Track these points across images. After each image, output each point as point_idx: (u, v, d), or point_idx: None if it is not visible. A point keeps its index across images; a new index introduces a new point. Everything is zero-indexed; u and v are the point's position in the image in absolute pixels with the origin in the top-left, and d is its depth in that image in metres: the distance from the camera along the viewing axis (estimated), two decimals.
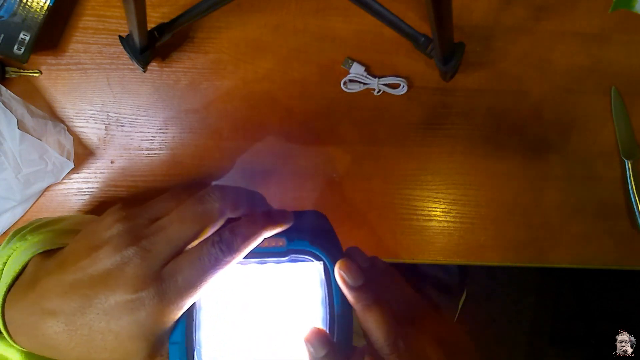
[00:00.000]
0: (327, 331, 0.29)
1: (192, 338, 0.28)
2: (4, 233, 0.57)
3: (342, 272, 0.28)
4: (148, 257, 0.27)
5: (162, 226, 0.28)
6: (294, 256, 0.30)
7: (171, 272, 0.27)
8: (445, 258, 0.59)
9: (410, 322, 0.29)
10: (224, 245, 0.27)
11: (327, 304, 0.29)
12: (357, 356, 0.29)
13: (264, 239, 0.29)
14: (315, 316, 0.30)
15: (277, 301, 0.30)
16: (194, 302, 0.28)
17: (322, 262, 0.30)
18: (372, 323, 0.28)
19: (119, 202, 0.31)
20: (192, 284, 0.27)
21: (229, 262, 0.28)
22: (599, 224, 0.58)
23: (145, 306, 0.26)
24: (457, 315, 0.87)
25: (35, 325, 0.27)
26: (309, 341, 0.28)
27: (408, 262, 0.59)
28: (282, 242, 0.30)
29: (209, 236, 0.28)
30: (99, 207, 0.57)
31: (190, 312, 0.28)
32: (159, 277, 0.26)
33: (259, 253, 0.30)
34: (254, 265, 0.30)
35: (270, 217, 0.29)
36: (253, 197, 0.31)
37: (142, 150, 0.58)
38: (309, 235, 0.30)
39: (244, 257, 0.29)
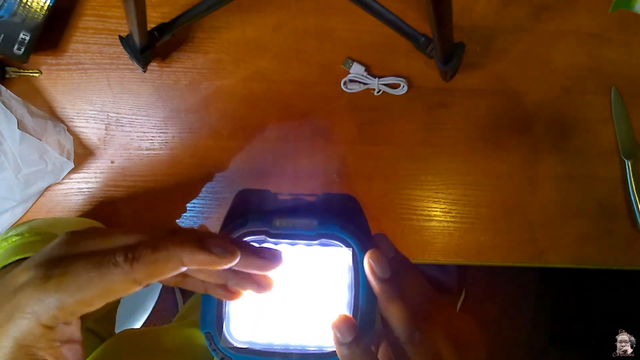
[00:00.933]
0: (351, 314, 0.30)
1: (222, 310, 0.30)
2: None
3: (372, 263, 0.29)
4: (63, 247, 0.26)
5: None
6: (324, 240, 0.31)
7: (71, 261, 0.25)
8: (445, 258, 0.59)
9: (427, 316, 0.31)
10: (129, 252, 0.25)
11: (353, 289, 0.30)
12: (375, 339, 0.30)
13: (297, 224, 0.30)
14: (341, 300, 0.31)
15: (305, 282, 0.31)
16: None
17: (351, 249, 0.31)
18: (393, 314, 0.29)
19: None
20: (79, 276, 0.24)
21: (126, 271, 0.24)
22: (599, 224, 0.58)
23: (28, 277, 0.25)
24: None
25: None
26: (337, 327, 0.29)
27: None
28: (313, 224, 0.30)
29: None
30: (98, 207, 0.57)
31: None
32: (57, 262, 0.25)
33: (291, 235, 0.30)
34: (284, 246, 0.31)
35: (193, 238, 0.26)
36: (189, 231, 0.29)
37: (142, 150, 0.58)
38: (339, 219, 0.31)
39: (276, 238, 0.30)
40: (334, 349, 0.29)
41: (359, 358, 0.28)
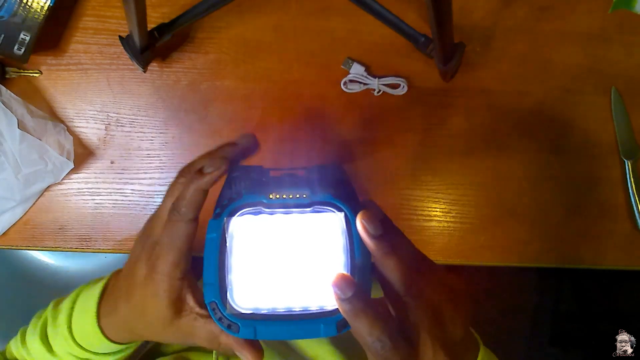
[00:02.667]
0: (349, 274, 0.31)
1: (225, 280, 0.31)
2: (3, 233, 0.57)
3: (364, 222, 0.31)
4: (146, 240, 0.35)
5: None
6: (317, 207, 0.32)
7: (156, 240, 0.34)
8: (446, 258, 0.59)
9: (420, 271, 0.33)
10: (176, 201, 0.33)
11: (349, 251, 0.32)
12: (377, 305, 0.31)
13: (288, 184, 0.33)
14: (338, 262, 0.32)
15: (302, 248, 0.32)
16: (225, 247, 0.32)
17: (343, 213, 0.32)
18: (390, 267, 0.31)
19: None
20: (166, 241, 0.34)
21: (178, 217, 0.33)
22: (599, 224, 0.58)
23: (145, 270, 0.34)
24: None
25: (119, 320, 0.38)
26: (337, 284, 0.30)
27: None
28: (305, 194, 0.32)
29: None
30: (98, 207, 0.58)
31: (222, 256, 0.32)
32: (151, 247, 0.35)
33: (285, 204, 0.32)
34: (279, 215, 0.32)
35: (213, 152, 0.35)
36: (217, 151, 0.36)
37: (142, 150, 0.58)
38: (330, 187, 0.33)
39: (271, 208, 0.32)
40: (335, 308, 0.31)
41: (360, 311, 0.30)
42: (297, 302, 0.32)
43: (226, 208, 0.32)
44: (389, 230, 0.32)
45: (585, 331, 1.32)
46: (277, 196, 0.32)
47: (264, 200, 0.32)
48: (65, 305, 0.42)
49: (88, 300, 0.41)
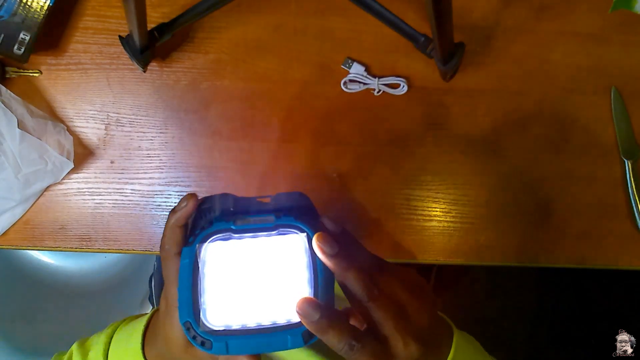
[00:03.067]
0: (313, 290, 0.34)
1: (199, 301, 0.34)
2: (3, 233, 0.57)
3: (320, 244, 0.34)
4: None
5: None
6: (282, 230, 0.35)
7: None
8: (446, 258, 0.59)
9: (378, 273, 0.36)
10: (162, 239, 0.38)
11: (312, 268, 0.35)
12: (342, 316, 0.34)
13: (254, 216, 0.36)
14: (302, 279, 0.35)
15: (269, 267, 0.35)
16: (198, 271, 0.34)
17: (305, 233, 0.35)
18: (350, 281, 0.34)
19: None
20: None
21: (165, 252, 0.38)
22: (599, 224, 0.58)
23: (164, 304, 0.39)
24: (432, 280, 0.89)
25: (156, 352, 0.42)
26: (302, 310, 0.32)
27: (408, 262, 0.59)
28: (270, 219, 0.35)
29: None
30: (98, 207, 0.58)
31: (196, 280, 0.34)
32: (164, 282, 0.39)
33: (251, 229, 0.35)
34: (248, 239, 0.35)
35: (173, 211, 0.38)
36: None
37: (142, 150, 0.58)
38: (294, 212, 0.36)
39: (239, 233, 0.35)
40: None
41: (327, 327, 0.32)
42: (266, 317, 0.34)
43: (198, 236, 0.35)
44: (346, 243, 0.35)
45: (585, 331, 1.32)
46: (245, 221, 0.35)
47: (233, 227, 0.35)
48: (101, 339, 0.47)
49: (132, 333, 0.45)
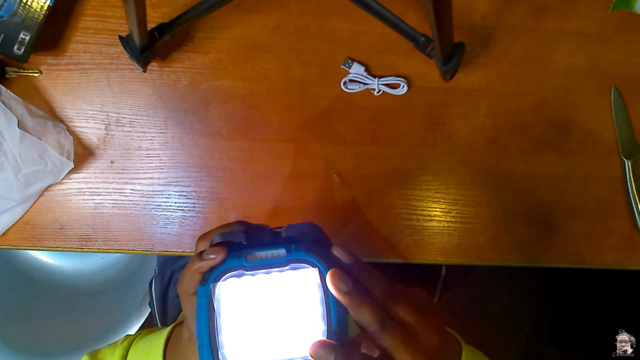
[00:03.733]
0: (326, 325, 0.34)
1: (216, 341, 0.34)
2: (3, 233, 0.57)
3: (334, 282, 0.34)
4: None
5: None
6: (294, 265, 0.35)
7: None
8: (446, 258, 0.59)
9: (389, 299, 0.35)
10: (180, 278, 0.40)
11: (325, 302, 0.35)
12: (356, 347, 0.34)
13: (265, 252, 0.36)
14: (316, 313, 0.35)
15: (283, 303, 0.35)
16: (214, 310, 0.35)
17: (317, 268, 0.35)
18: (364, 316, 0.34)
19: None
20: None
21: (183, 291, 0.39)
22: (599, 224, 0.58)
23: (187, 333, 0.43)
24: (438, 293, 0.88)
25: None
26: (316, 354, 0.33)
27: (409, 262, 0.59)
28: (282, 253, 0.35)
29: None
30: (98, 207, 0.58)
31: (212, 318, 0.35)
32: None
33: (264, 265, 0.35)
34: (261, 276, 0.36)
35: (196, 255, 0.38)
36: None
37: (142, 150, 0.58)
38: (304, 245, 0.36)
39: (253, 270, 0.35)
40: None
41: None
42: (282, 354, 0.35)
43: (211, 274, 0.35)
44: (358, 273, 0.35)
45: (585, 331, 1.32)
46: (257, 257, 0.36)
47: (245, 264, 0.35)
48: (117, 352, 0.48)
49: (152, 347, 0.47)
